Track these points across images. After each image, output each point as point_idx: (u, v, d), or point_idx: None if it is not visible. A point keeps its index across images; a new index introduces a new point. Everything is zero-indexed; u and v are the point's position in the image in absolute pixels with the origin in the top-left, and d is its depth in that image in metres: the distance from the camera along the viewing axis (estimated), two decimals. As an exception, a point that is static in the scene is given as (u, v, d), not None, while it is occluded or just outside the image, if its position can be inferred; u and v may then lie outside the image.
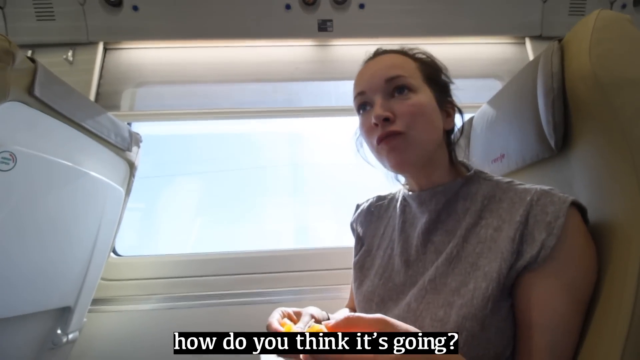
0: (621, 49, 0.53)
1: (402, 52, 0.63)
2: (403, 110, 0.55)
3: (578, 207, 0.49)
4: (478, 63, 1.33)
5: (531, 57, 1.34)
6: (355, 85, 0.62)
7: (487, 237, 0.52)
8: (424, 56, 0.64)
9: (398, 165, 0.57)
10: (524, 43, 1.35)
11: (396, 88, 0.57)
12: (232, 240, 1.40)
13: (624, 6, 1.36)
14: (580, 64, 0.54)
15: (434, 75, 0.62)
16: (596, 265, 0.48)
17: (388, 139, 0.55)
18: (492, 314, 0.47)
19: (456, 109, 0.64)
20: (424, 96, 0.57)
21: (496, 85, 1.32)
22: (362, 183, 1.35)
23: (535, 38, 1.33)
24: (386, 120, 0.55)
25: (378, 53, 0.64)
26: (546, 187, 0.51)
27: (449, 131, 0.63)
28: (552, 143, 0.59)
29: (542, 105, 0.59)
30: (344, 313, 0.79)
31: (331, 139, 1.47)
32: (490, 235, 0.52)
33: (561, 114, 0.56)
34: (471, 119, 0.89)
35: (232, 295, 1.07)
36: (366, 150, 0.65)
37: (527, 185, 0.54)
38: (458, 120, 0.66)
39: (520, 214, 0.49)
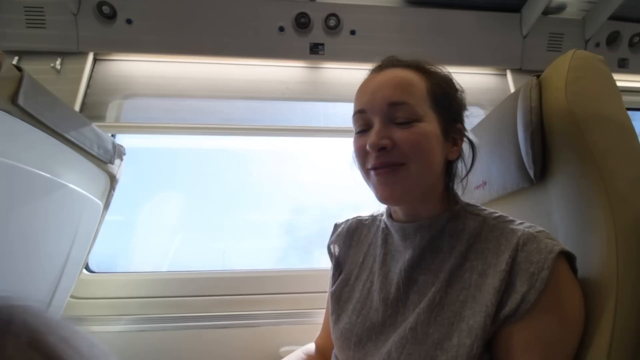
0: (595, 88, 0.56)
1: (414, 67, 0.56)
2: (404, 138, 0.51)
3: (566, 254, 0.47)
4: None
5: (512, 88, 1.40)
6: (356, 100, 0.57)
7: (472, 283, 0.50)
8: (439, 74, 0.57)
9: (388, 200, 0.53)
10: (506, 75, 1.41)
11: (399, 116, 0.52)
12: (211, 258, 1.37)
13: (597, 45, 1.45)
14: (557, 99, 0.56)
15: (446, 99, 0.56)
16: (581, 316, 0.47)
17: (382, 170, 0.52)
18: None
19: (465, 137, 0.58)
20: (429, 125, 0.52)
21: (479, 113, 1.37)
22: (348, 203, 1.35)
23: (516, 70, 1.39)
24: (382, 149, 0.51)
25: (386, 65, 0.57)
26: (534, 230, 0.49)
27: (451, 160, 0.58)
28: (531, 174, 0.61)
29: (521, 138, 0.61)
30: None
31: (318, 158, 1.48)
32: (475, 281, 0.50)
33: (540, 147, 0.58)
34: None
35: (208, 317, 1.03)
36: None
37: (515, 225, 0.51)
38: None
39: (505, 260, 0.47)
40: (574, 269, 0.48)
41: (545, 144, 0.58)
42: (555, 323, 0.44)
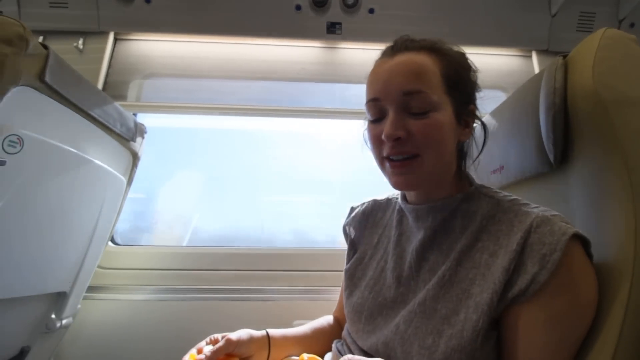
0: (624, 68, 0.54)
1: (428, 49, 0.54)
2: (419, 129, 0.51)
3: (581, 238, 0.46)
4: (484, 74, 1.31)
5: (537, 70, 1.35)
6: (369, 87, 0.56)
7: (482, 262, 0.50)
8: (454, 53, 0.56)
9: (403, 187, 0.54)
10: (531, 56, 1.35)
11: (414, 105, 0.51)
12: (230, 235, 1.41)
13: (632, 25, 1.36)
14: (583, 81, 0.54)
15: (460, 81, 0.55)
16: (594, 300, 0.46)
17: (398, 163, 0.52)
18: (481, 346, 0.46)
19: (476, 118, 0.59)
20: (444, 114, 0.52)
21: (501, 97, 1.33)
22: (366, 185, 1.35)
23: (542, 52, 1.33)
24: (397, 139, 0.51)
25: (399, 47, 0.55)
26: (549, 213, 0.48)
27: (462, 142, 0.58)
28: (551, 158, 0.59)
29: (543, 120, 0.59)
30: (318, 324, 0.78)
31: (336, 140, 1.48)
32: (485, 260, 0.50)
33: (561, 130, 0.57)
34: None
35: (224, 290, 1.08)
36: None
37: (530, 208, 0.51)
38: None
39: (517, 241, 0.47)
40: (589, 254, 0.48)
41: (568, 127, 0.57)
42: (565, 305, 0.45)
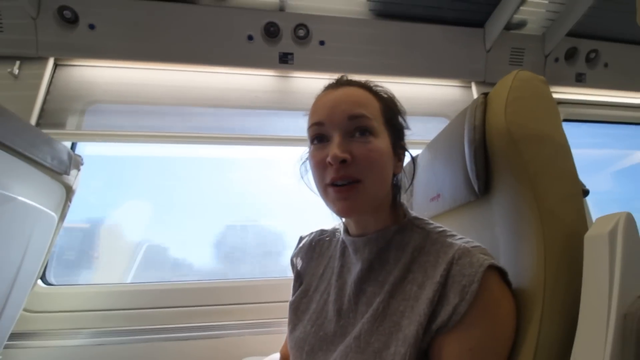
0: (533, 107, 0.59)
1: (367, 88, 0.59)
2: (362, 153, 0.53)
3: (498, 269, 0.49)
4: (429, 102, 1.42)
5: (477, 100, 1.45)
6: (313, 113, 0.58)
7: (412, 294, 0.52)
8: (387, 96, 0.62)
9: (345, 213, 0.55)
10: (470, 87, 1.46)
11: (358, 128, 0.54)
12: (176, 269, 1.34)
13: (556, 59, 1.52)
14: (497, 119, 0.59)
15: (393, 118, 0.60)
16: (511, 326, 0.49)
17: (342, 188, 0.53)
18: None
19: (407, 152, 0.63)
20: (383, 142, 0.55)
21: (445, 124, 1.41)
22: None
23: (480, 83, 1.45)
24: (343, 161, 0.52)
25: (342, 83, 0.60)
26: (471, 245, 0.51)
27: (395, 175, 0.62)
28: (475, 188, 0.63)
29: (467, 154, 0.63)
30: None
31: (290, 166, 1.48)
32: (415, 292, 0.51)
33: (482, 163, 0.61)
34: (416, 157, 0.94)
35: (170, 330, 1.01)
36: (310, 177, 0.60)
37: (455, 240, 0.53)
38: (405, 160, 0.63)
39: (440, 273, 0.49)
40: (508, 282, 0.50)
41: (488, 160, 0.61)
42: (485, 334, 0.46)
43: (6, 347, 0.89)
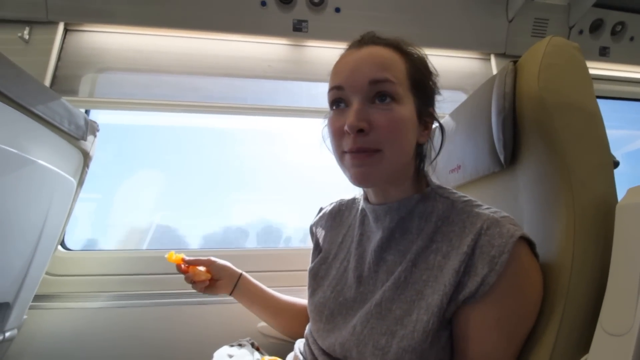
0: (567, 75, 0.57)
1: (394, 47, 0.54)
2: (382, 122, 0.49)
3: (527, 240, 0.48)
4: (446, 75, 1.38)
5: (495, 73, 1.40)
6: (333, 75, 0.54)
7: (435, 264, 0.51)
8: (417, 56, 0.56)
9: (361, 182, 0.52)
10: (490, 59, 1.41)
11: (379, 94, 0.50)
12: (193, 236, 1.37)
13: (580, 32, 1.45)
14: (529, 86, 0.57)
15: (422, 82, 0.55)
16: (539, 299, 0.49)
17: (358, 155, 0.50)
18: (431, 346, 0.47)
19: (435, 120, 0.59)
20: (407, 109, 0.51)
21: (462, 98, 1.38)
22: (332, 182, 1.35)
23: (500, 55, 1.39)
24: (360, 131, 0.49)
25: (366, 41, 0.55)
26: (499, 215, 0.50)
27: (421, 144, 0.58)
28: (502, 159, 0.62)
29: (494, 123, 0.62)
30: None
31: (301, 139, 1.47)
32: (438, 262, 0.51)
33: (510, 133, 0.59)
34: (434, 129, 0.93)
35: (187, 294, 1.04)
36: None
37: (482, 209, 0.52)
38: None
39: (468, 243, 0.48)
40: (535, 254, 0.50)
41: (517, 129, 0.60)
42: (513, 305, 0.47)
43: (31, 307, 0.92)
